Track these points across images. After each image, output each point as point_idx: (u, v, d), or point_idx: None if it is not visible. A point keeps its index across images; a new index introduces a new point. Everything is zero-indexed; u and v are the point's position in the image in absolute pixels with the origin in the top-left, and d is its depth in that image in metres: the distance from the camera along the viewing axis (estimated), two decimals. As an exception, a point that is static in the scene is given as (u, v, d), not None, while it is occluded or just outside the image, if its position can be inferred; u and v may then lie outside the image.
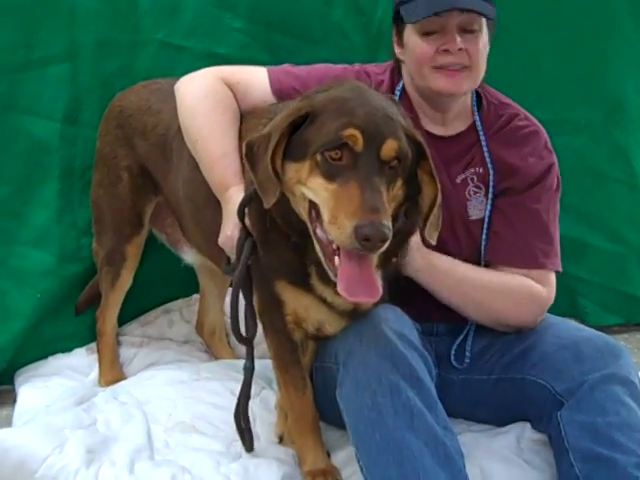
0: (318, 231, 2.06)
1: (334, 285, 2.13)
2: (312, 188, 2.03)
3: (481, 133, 2.60)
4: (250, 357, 2.45)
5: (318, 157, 2.01)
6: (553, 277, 2.59)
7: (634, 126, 3.81)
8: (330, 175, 1.99)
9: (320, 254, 2.09)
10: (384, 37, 3.35)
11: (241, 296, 2.41)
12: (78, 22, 3.10)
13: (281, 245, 2.27)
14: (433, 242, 2.20)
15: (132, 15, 3.18)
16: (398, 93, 2.62)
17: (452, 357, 2.62)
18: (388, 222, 1.92)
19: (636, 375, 2.37)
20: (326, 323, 2.37)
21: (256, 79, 2.63)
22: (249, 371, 2.45)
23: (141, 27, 3.19)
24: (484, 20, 2.46)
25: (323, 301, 2.30)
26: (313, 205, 2.05)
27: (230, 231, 2.41)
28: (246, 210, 2.32)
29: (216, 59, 3.03)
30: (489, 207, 2.58)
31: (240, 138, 2.52)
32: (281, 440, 2.61)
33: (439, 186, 2.17)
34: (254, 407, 2.73)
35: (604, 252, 3.88)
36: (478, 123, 2.60)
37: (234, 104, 2.59)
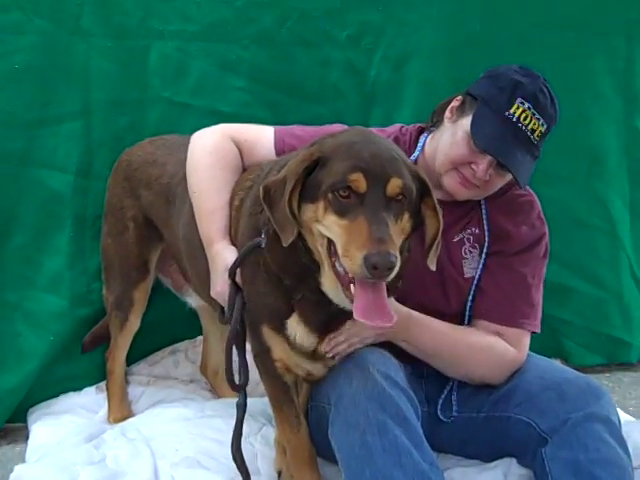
0: (337, 264, 2.12)
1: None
2: (327, 225, 2.10)
3: (482, 199, 2.68)
4: (243, 395, 2.51)
5: (330, 196, 2.09)
6: (527, 339, 2.64)
7: (613, 178, 3.94)
8: (341, 212, 2.07)
9: (338, 285, 2.15)
10: (377, 95, 3.56)
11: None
12: (91, 82, 3.22)
13: (267, 290, 2.35)
14: (433, 268, 2.25)
15: (142, 75, 3.30)
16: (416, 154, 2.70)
17: (439, 412, 2.67)
18: (395, 251, 1.99)
19: (616, 414, 2.44)
20: (307, 368, 2.45)
21: (263, 139, 2.71)
22: (241, 408, 2.51)
23: (150, 86, 3.32)
24: None
25: (290, 344, 2.37)
26: (331, 241, 2.12)
27: (220, 287, 2.51)
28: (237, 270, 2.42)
29: (220, 116, 3.14)
30: (481, 266, 2.66)
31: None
32: (280, 474, 2.66)
33: (441, 219, 2.24)
34: (255, 443, 2.80)
35: (586, 296, 3.97)
36: None
37: (237, 161, 2.67)
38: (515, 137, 2.47)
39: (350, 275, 2.09)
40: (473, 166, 2.52)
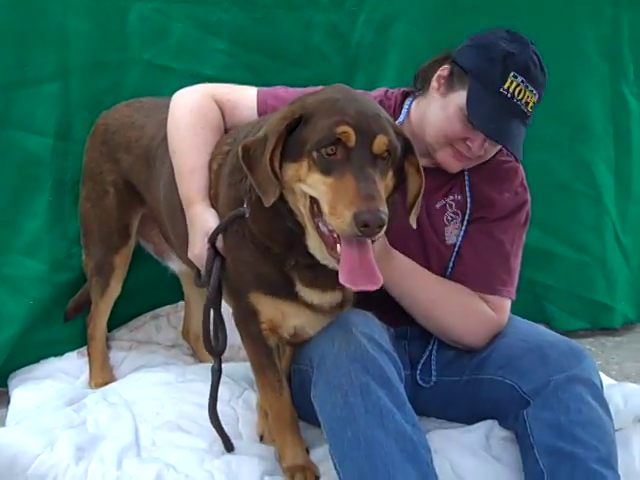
0: (320, 224, 2.11)
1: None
2: (311, 184, 2.08)
3: None
4: (218, 361, 2.52)
5: (314, 154, 2.06)
6: (507, 304, 2.63)
7: (598, 143, 3.96)
8: (326, 170, 2.05)
9: (323, 246, 2.14)
10: (361, 59, 3.55)
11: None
12: (69, 43, 3.18)
13: (256, 259, 2.34)
14: (414, 225, 2.26)
15: (121, 37, 3.26)
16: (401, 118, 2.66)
17: (418, 377, 2.67)
18: (384, 208, 1.98)
19: (598, 377, 2.43)
20: (306, 326, 2.43)
21: (245, 99, 2.68)
22: (216, 373, 2.52)
23: (129, 48, 3.28)
24: None
25: (306, 305, 2.36)
26: (314, 200, 2.10)
27: (198, 250, 2.48)
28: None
29: (201, 79, 3.03)
30: (462, 233, 2.65)
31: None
32: (262, 438, 2.67)
33: (423, 177, 2.24)
34: (237, 407, 2.80)
35: (569, 261, 4.01)
36: None
37: (218, 121, 2.63)
38: (510, 112, 2.45)
39: (335, 234, 2.08)
40: (468, 142, 2.51)
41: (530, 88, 2.45)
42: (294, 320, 2.43)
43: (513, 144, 2.47)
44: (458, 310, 2.59)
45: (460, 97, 2.48)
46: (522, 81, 2.43)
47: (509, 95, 2.43)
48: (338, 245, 2.08)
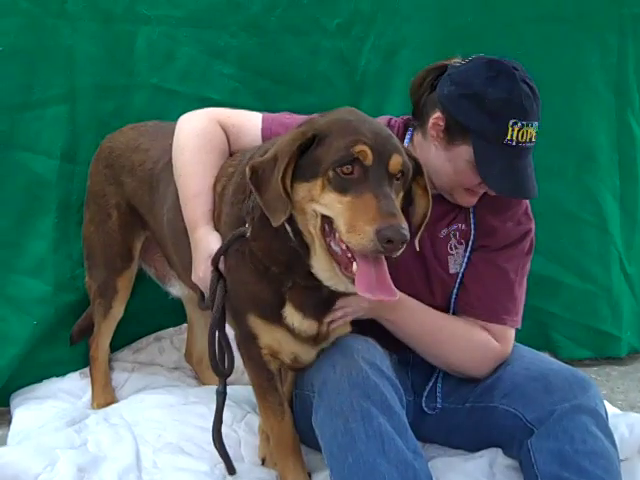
0: (332, 244, 2.12)
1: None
2: (326, 203, 2.08)
3: None
4: (223, 383, 2.51)
5: (330, 173, 2.07)
6: (511, 334, 2.63)
7: (604, 173, 3.93)
8: (343, 189, 2.06)
9: (330, 267, 2.16)
10: (367, 85, 3.56)
11: None
12: (77, 66, 3.19)
13: (254, 280, 2.34)
14: (417, 248, 2.28)
15: (128, 60, 3.27)
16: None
17: (423, 404, 2.67)
18: (406, 225, 2.00)
19: (603, 407, 2.43)
20: (299, 354, 2.43)
21: (250, 124, 2.67)
22: (221, 395, 2.51)
23: (136, 72, 3.29)
24: None
25: (291, 332, 2.37)
26: (326, 220, 2.11)
27: (202, 273, 2.48)
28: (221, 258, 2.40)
29: (207, 103, 3.03)
30: (465, 262, 2.64)
31: None
32: (263, 462, 2.67)
33: (431, 199, 2.28)
34: (239, 430, 2.81)
35: (575, 290, 3.97)
36: None
37: (223, 145, 2.63)
38: (519, 158, 2.46)
39: (349, 255, 2.09)
40: (484, 186, 2.51)
41: (531, 125, 2.44)
42: (288, 347, 2.43)
43: (530, 191, 2.48)
44: (463, 346, 2.59)
45: (467, 152, 2.46)
46: (522, 125, 2.42)
47: (514, 144, 2.42)
48: (354, 263, 2.09)
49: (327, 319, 2.38)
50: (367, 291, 2.06)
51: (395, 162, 2.11)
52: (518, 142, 2.42)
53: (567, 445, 2.31)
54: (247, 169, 2.19)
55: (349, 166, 2.07)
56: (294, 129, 2.27)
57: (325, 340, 2.43)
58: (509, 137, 2.41)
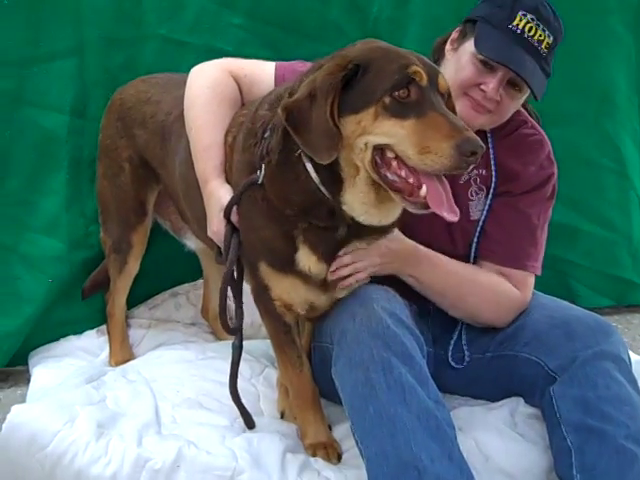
0: (388, 174, 2.07)
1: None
2: (383, 132, 2.03)
3: (489, 137, 2.62)
4: (239, 337, 2.49)
5: (386, 100, 2.01)
6: (531, 280, 2.61)
7: (623, 117, 3.90)
8: (402, 113, 2.01)
9: (394, 196, 2.10)
10: (379, 33, 3.44)
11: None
12: (84, 18, 3.13)
13: (265, 225, 2.30)
14: None
15: (136, 12, 3.21)
16: None
17: (450, 359, 2.66)
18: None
19: (626, 352, 2.41)
20: (311, 300, 2.40)
21: (263, 74, 2.64)
22: (237, 350, 2.49)
23: (145, 23, 3.23)
24: None
25: (302, 279, 2.33)
26: (377, 152, 2.07)
27: (215, 227, 2.46)
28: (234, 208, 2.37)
29: (217, 54, 2.98)
30: (486, 208, 2.63)
31: None
32: (283, 415, 2.67)
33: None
34: (257, 384, 2.81)
35: (595, 237, 3.97)
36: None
37: (235, 97, 2.60)
38: (522, 47, 2.41)
39: (410, 180, 2.05)
40: (483, 87, 2.46)
41: (542, 27, 2.40)
42: (300, 296, 2.39)
43: (529, 79, 2.42)
44: (486, 297, 2.57)
45: (471, 44, 2.46)
46: (532, 19, 2.39)
47: (519, 31, 2.40)
48: (424, 186, 2.04)
49: (332, 267, 2.33)
50: (442, 209, 2.04)
51: (443, 81, 2.10)
52: (524, 31, 2.39)
53: (590, 392, 2.30)
54: (280, 111, 2.11)
55: (405, 89, 2.02)
56: (326, 63, 2.16)
57: (331, 289, 2.39)
58: (515, 23, 2.40)
